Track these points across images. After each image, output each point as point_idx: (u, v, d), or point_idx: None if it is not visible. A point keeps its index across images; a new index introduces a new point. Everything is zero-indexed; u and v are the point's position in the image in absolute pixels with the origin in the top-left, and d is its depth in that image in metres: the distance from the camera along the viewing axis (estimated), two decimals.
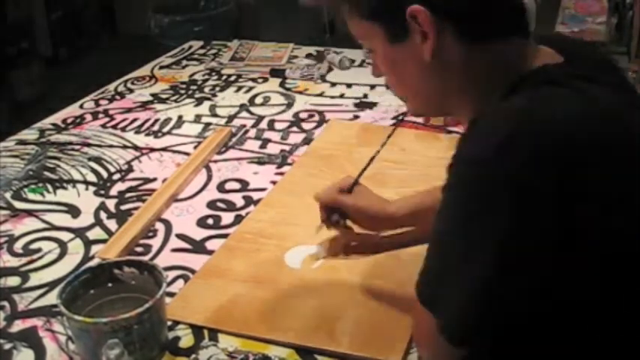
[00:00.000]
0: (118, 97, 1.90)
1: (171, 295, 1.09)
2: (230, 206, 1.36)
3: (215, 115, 1.77)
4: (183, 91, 1.92)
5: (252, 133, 1.66)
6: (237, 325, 1.03)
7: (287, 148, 1.58)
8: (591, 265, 0.77)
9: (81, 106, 1.84)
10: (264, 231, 1.26)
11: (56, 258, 1.21)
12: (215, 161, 1.53)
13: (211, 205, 1.36)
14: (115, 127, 1.72)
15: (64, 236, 1.27)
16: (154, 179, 1.46)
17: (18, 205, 1.38)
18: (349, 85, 1.91)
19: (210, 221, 1.31)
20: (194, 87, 1.95)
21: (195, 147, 1.58)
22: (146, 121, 1.74)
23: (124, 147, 1.61)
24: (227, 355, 0.98)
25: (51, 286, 1.13)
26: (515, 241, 0.75)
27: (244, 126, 1.70)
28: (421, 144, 1.57)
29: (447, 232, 0.80)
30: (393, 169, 1.45)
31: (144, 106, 1.84)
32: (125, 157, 1.56)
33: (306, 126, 1.69)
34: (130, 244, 1.23)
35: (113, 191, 1.42)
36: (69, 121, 1.75)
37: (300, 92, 1.89)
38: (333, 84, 1.93)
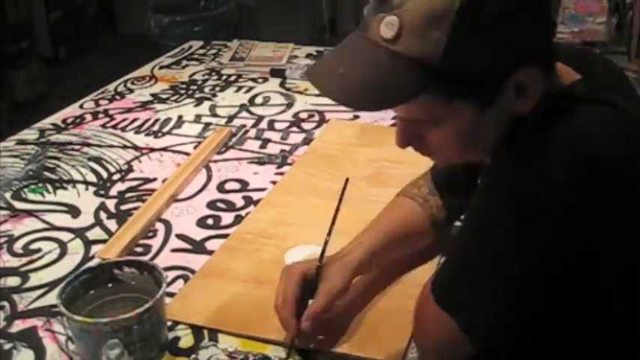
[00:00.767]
0: (118, 97, 1.90)
1: (171, 295, 1.09)
2: (230, 206, 1.36)
3: (215, 115, 1.77)
4: (183, 91, 1.92)
5: (252, 133, 1.66)
6: (237, 325, 1.03)
7: (287, 148, 1.58)
8: (623, 281, 0.80)
9: (81, 106, 1.84)
10: (264, 231, 1.26)
11: (56, 258, 1.21)
12: (215, 161, 1.53)
13: (211, 205, 1.36)
14: (115, 127, 1.72)
15: (64, 236, 1.27)
16: (154, 179, 1.46)
17: (18, 205, 1.38)
18: None
19: (210, 221, 1.31)
20: (194, 87, 1.95)
21: (195, 147, 1.58)
22: (146, 121, 1.74)
23: (124, 147, 1.61)
24: (227, 355, 0.98)
25: (51, 286, 1.13)
26: (549, 254, 0.77)
27: (244, 126, 1.70)
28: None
29: (478, 235, 0.81)
30: (393, 169, 1.45)
31: (144, 106, 1.83)
32: (125, 157, 1.56)
33: (306, 126, 1.69)
34: (130, 244, 1.23)
35: (113, 191, 1.42)
36: (69, 121, 1.75)
37: (300, 92, 1.89)
38: None
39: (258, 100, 1.86)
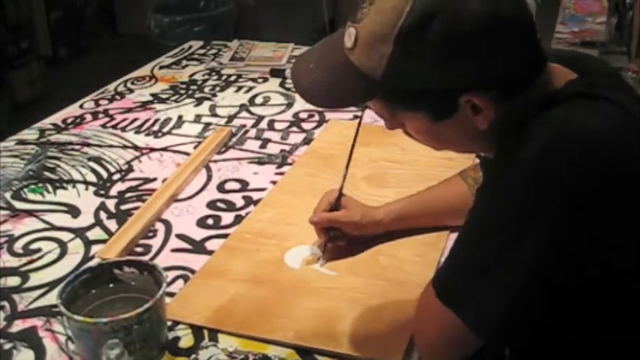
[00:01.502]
0: (118, 97, 1.90)
1: (171, 295, 1.09)
2: (230, 206, 1.36)
3: (215, 115, 1.77)
4: (183, 91, 1.92)
5: (252, 133, 1.66)
6: (237, 325, 1.03)
7: (287, 148, 1.58)
8: (631, 268, 0.80)
9: (81, 106, 1.84)
10: (264, 231, 1.26)
11: (56, 258, 1.21)
12: (215, 161, 1.53)
13: (211, 205, 1.36)
14: (115, 127, 1.72)
15: (64, 236, 1.27)
16: (154, 179, 1.46)
17: (18, 205, 1.38)
18: None
19: (210, 221, 1.31)
20: (194, 87, 1.95)
21: (195, 147, 1.58)
22: (146, 121, 1.74)
23: (124, 147, 1.61)
24: (227, 355, 0.98)
25: (51, 286, 1.13)
26: (553, 246, 0.78)
27: (244, 126, 1.70)
28: (421, 144, 1.56)
29: (483, 232, 0.82)
30: (393, 169, 1.45)
31: (144, 106, 1.83)
32: (125, 157, 1.56)
33: (306, 126, 1.69)
34: (130, 244, 1.23)
35: (113, 191, 1.42)
36: (69, 121, 1.75)
37: None
38: None
39: (258, 100, 1.86)
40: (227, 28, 3.87)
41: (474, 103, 0.82)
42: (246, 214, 1.33)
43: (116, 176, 1.48)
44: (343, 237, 1.19)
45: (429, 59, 0.80)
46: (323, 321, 1.03)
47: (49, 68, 4.11)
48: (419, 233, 1.22)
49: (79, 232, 1.28)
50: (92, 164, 1.53)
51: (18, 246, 1.25)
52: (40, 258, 1.21)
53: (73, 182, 1.46)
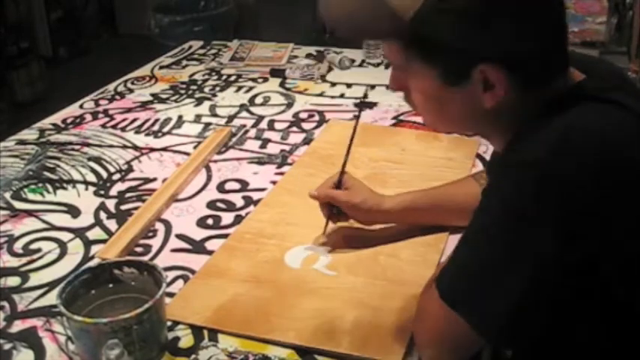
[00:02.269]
0: (118, 97, 1.90)
1: (171, 295, 1.09)
2: (230, 206, 1.36)
3: (215, 115, 1.77)
4: (183, 91, 1.92)
5: (252, 133, 1.66)
6: (237, 325, 1.03)
7: (287, 148, 1.58)
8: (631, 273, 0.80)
9: (81, 106, 1.84)
10: (264, 231, 1.26)
11: (56, 258, 1.21)
12: (215, 161, 1.53)
13: (211, 205, 1.36)
14: (115, 127, 1.72)
15: (64, 236, 1.27)
16: (154, 179, 1.46)
17: (18, 205, 1.38)
18: (349, 85, 1.91)
19: (210, 221, 1.31)
20: (194, 87, 1.95)
21: (195, 147, 1.58)
22: (146, 121, 1.74)
23: (124, 147, 1.61)
24: (227, 355, 0.98)
25: (51, 286, 1.13)
26: (560, 246, 0.77)
27: (244, 126, 1.70)
28: (421, 144, 1.57)
29: (488, 233, 0.82)
30: (393, 169, 1.45)
31: (144, 106, 1.84)
32: (125, 157, 1.56)
33: (306, 126, 1.69)
34: (129, 244, 1.22)
35: (113, 191, 1.42)
36: (69, 121, 1.75)
37: (300, 92, 1.89)
38: (333, 84, 1.93)
39: (258, 100, 1.86)
40: (227, 28, 3.87)
41: (488, 78, 0.81)
42: (246, 214, 1.33)
43: (116, 176, 1.48)
44: (345, 217, 1.21)
45: (463, 13, 0.79)
46: (323, 321, 1.03)
47: (49, 68, 4.11)
48: (422, 233, 1.22)
49: (79, 232, 1.28)
50: (92, 164, 1.53)
51: (18, 246, 1.25)
52: (40, 258, 1.21)
53: (73, 182, 1.46)
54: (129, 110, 1.81)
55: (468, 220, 0.86)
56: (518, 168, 0.80)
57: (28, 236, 1.28)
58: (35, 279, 1.16)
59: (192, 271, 1.16)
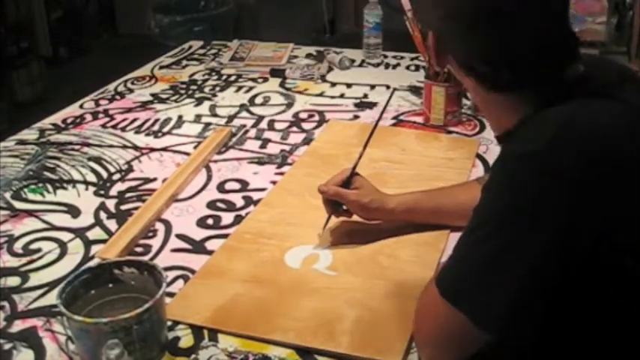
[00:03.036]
0: (118, 97, 1.90)
1: (171, 295, 1.09)
2: (230, 206, 1.36)
3: (215, 115, 1.77)
4: (183, 91, 1.92)
5: (252, 133, 1.66)
6: (237, 325, 1.03)
7: (287, 148, 1.58)
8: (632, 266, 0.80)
9: (81, 106, 1.84)
10: (264, 231, 1.26)
11: (56, 258, 1.21)
12: (215, 161, 1.53)
13: (211, 205, 1.36)
14: (115, 127, 1.72)
15: (64, 236, 1.27)
16: (154, 179, 1.46)
17: (18, 205, 1.38)
18: (349, 85, 1.91)
19: (210, 221, 1.31)
20: (194, 87, 1.95)
21: (195, 147, 1.58)
22: (146, 121, 1.74)
23: (124, 147, 1.61)
24: (227, 355, 0.98)
25: (51, 286, 1.13)
26: (560, 239, 0.78)
27: (244, 126, 1.70)
28: (421, 144, 1.57)
29: (488, 229, 0.82)
30: (393, 169, 1.45)
31: (144, 106, 1.84)
32: (125, 157, 1.56)
33: (306, 126, 1.69)
34: (129, 244, 1.22)
35: (113, 191, 1.42)
36: (69, 121, 1.75)
37: (300, 92, 1.89)
38: (333, 84, 1.94)
39: (258, 100, 1.86)
40: (227, 28, 3.87)
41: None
42: (246, 214, 1.33)
43: (116, 176, 1.48)
44: (348, 214, 1.22)
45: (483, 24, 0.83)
46: (323, 321, 1.03)
47: (49, 68, 4.11)
48: (422, 231, 1.22)
49: (79, 232, 1.28)
50: (92, 164, 1.53)
51: (18, 246, 1.25)
52: (40, 258, 1.21)
53: (73, 182, 1.46)
54: (129, 110, 1.81)
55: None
56: (516, 161, 0.80)
57: (28, 236, 1.28)
58: (35, 279, 1.16)
59: (192, 271, 1.16)
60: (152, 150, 1.59)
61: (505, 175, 0.82)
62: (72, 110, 1.82)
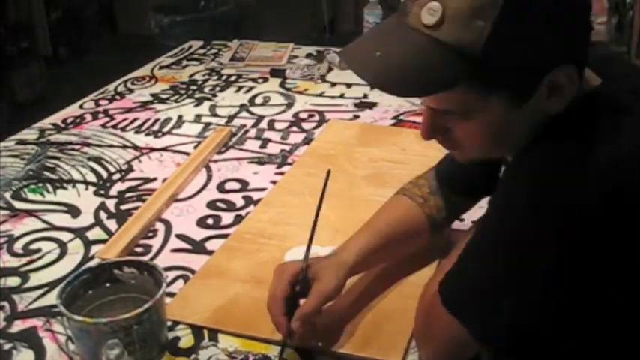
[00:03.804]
0: (118, 97, 1.90)
1: (171, 295, 1.09)
2: (230, 206, 1.36)
3: (215, 115, 1.77)
4: (183, 91, 1.92)
5: (252, 133, 1.66)
6: (237, 325, 1.03)
7: (287, 148, 1.58)
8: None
9: (81, 106, 1.84)
10: (264, 231, 1.26)
11: (56, 258, 1.21)
12: (215, 161, 1.53)
13: (211, 205, 1.36)
14: (115, 127, 1.72)
15: (64, 236, 1.27)
16: (154, 179, 1.46)
17: (18, 205, 1.38)
18: (349, 85, 1.91)
19: (210, 221, 1.31)
20: (194, 87, 1.95)
21: (195, 147, 1.58)
22: (146, 121, 1.74)
23: (124, 147, 1.61)
24: (227, 355, 0.98)
25: (51, 286, 1.13)
26: (565, 261, 0.76)
27: (244, 126, 1.70)
28: (421, 144, 1.55)
29: (495, 245, 0.81)
30: (393, 169, 1.45)
31: (144, 106, 1.84)
32: (125, 157, 1.56)
33: (306, 126, 1.69)
34: (129, 244, 1.23)
35: (113, 191, 1.42)
36: (69, 121, 1.75)
37: (300, 92, 1.89)
38: (333, 84, 1.93)
39: (258, 100, 1.86)
40: (227, 28, 3.87)
41: (556, 81, 0.78)
42: (246, 214, 1.33)
43: (116, 176, 1.48)
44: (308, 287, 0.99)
45: (533, 28, 0.75)
46: (323, 321, 1.03)
47: (49, 68, 4.10)
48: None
49: (79, 232, 1.28)
50: (92, 164, 1.54)
51: (18, 246, 1.25)
52: (40, 258, 1.21)
53: (73, 182, 1.46)
54: (129, 110, 1.81)
55: (420, 244, 0.82)
56: (524, 181, 0.79)
57: (28, 236, 1.28)
58: (35, 279, 1.16)
59: (192, 271, 1.16)
60: (152, 150, 1.59)
61: (513, 193, 0.80)
62: (72, 110, 1.82)
